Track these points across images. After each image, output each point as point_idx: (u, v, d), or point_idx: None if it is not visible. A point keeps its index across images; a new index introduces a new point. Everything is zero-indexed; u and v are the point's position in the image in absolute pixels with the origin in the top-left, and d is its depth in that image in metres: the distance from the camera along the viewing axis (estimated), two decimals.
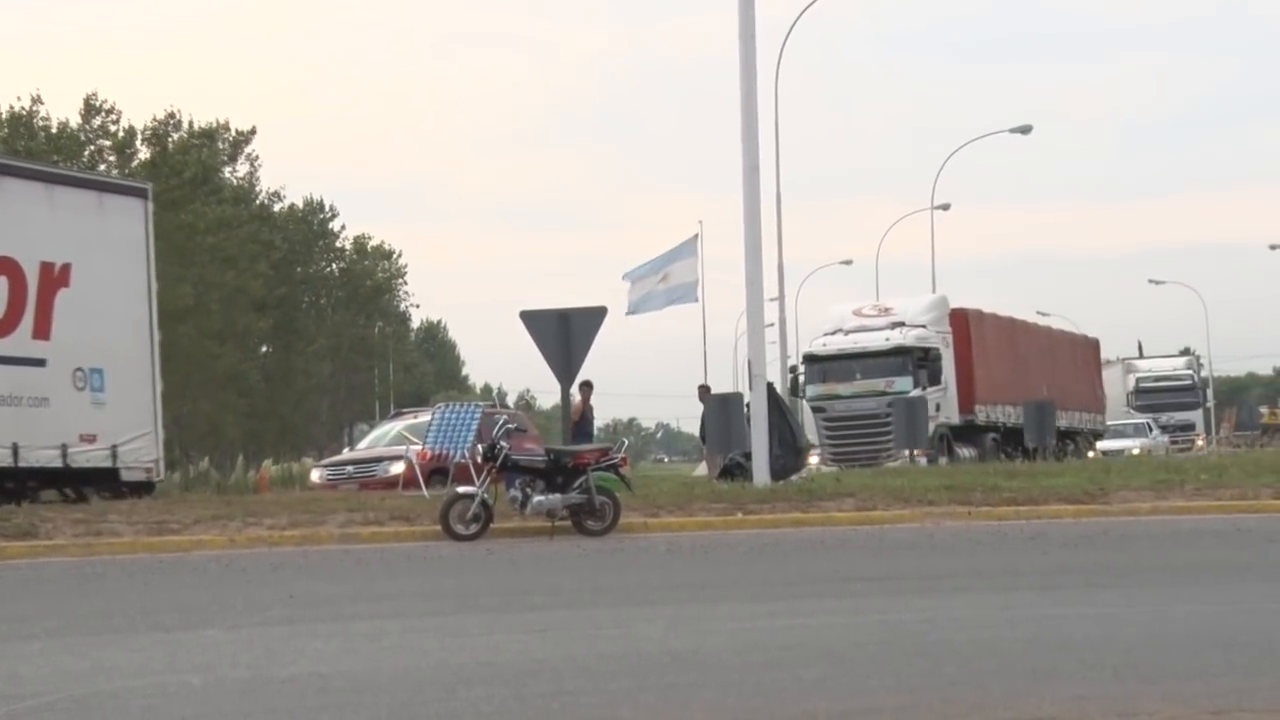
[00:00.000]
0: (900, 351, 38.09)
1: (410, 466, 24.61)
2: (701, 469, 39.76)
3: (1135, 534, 17.28)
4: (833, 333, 39.49)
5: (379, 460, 26.43)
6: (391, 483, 24.86)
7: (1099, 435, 48.55)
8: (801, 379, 39.03)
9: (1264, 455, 32.68)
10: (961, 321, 39.82)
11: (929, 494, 21.30)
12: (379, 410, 77.25)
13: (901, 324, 38.60)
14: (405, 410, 31.57)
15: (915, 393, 36.54)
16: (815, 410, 38.04)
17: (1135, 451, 47.35)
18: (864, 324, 39.08)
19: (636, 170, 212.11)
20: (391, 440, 27.62)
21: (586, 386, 28.28)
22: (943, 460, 36.08)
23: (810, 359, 39.02)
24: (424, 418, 28.39)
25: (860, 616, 10.81)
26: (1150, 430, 55.14)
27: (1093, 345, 50.17)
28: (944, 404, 38.21)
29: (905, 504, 20.89)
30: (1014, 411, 40.29)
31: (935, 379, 38.10)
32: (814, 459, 35.93)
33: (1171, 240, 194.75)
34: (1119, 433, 53.23)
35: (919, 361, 38.07)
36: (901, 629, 10.08)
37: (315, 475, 27.74)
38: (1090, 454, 43.71)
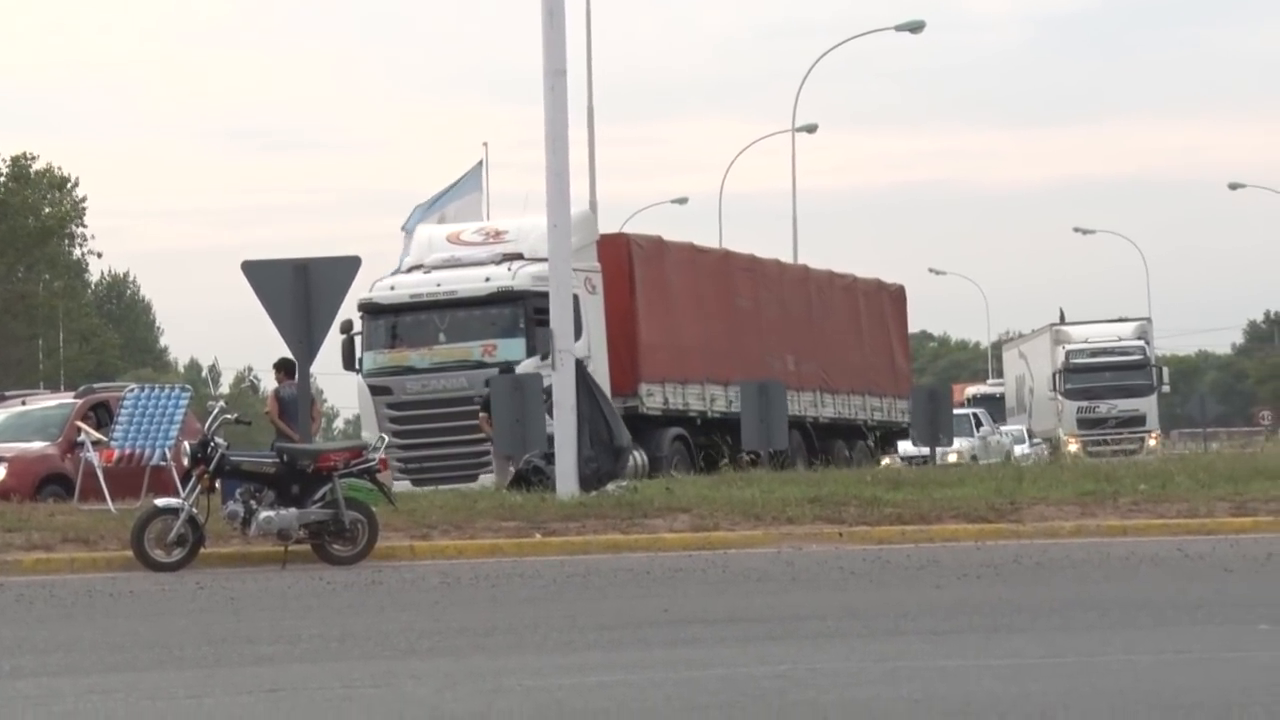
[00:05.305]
0: (508, 298, 31.57)
1: (18, 474, 24.65)
2: (487, 476, 36.35)
3: (1054, 562, 17.69)
4: (409, 270, 33.39)
5: None
6: None
7: (902, 432, 42.46)
8: (357, 343, 32.67)
9: (1218, 459, 33.22)
10: (620, 254, 34.02)
11: (788, 509, 21.57)
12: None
13: (517, 256, 32.39)
14: (8, 395, 30.59)
15: (530, 363, 30.73)
16: (376, 392, 32.27)
17: (951, 458, 44.58)
18: (457, 255, 32.98)
19: (407, 74, 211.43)
20: None
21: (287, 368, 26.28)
22: None
23: (370, 310, 32.41)
24: (42, 405, 28.12)
25: (697, 670, 10.96)
26: (977, 426, 53.12)
27: (893, 296, 44.33)
28: None
29: (757, 522, 21.13)
30: (723, 394, 35.17)
31: None
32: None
33: (1103, 176, 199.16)
34: None
35: (539, 314, 30.01)
36: (751, 687, 10.21)
37: None
38: (885, 460, 40.06)
